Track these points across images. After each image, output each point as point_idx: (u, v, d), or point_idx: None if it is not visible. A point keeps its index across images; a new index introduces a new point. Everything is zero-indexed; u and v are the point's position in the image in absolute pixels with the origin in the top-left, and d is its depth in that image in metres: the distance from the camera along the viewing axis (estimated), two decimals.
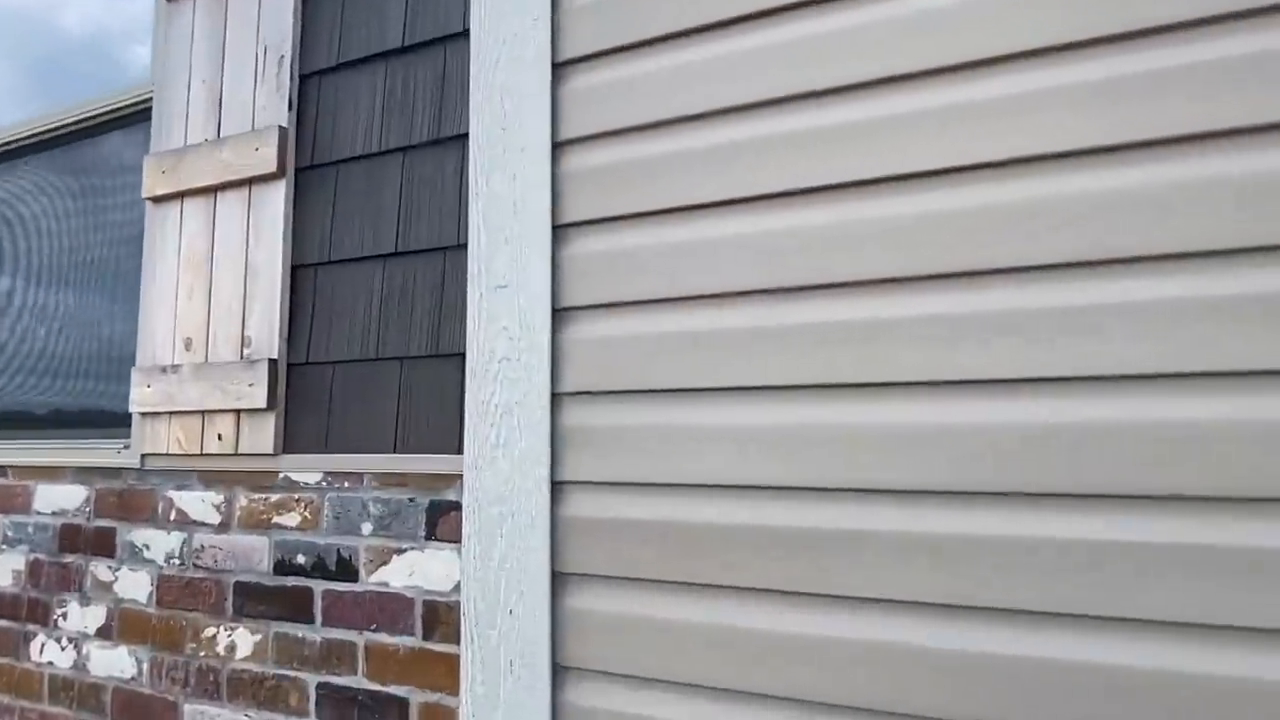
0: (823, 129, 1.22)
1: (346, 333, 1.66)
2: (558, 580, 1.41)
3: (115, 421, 2.05)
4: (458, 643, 1.45)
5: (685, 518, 1.31)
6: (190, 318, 1.83)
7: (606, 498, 1.38)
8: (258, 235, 1.76)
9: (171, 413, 1.82)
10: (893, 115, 1.17)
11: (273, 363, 1.69)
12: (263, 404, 1.67)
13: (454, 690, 1.44)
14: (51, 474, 2.05)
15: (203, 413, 1.77)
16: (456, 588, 1.47)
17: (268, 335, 1.71)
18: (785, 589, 1.23)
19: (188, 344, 1.82)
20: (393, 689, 1.50)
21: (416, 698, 1.48)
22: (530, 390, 1.41)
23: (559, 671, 1.39)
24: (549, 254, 1.43)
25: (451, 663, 1.45)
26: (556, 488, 1.42)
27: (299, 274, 1.74)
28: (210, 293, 1.81)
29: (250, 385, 1.69)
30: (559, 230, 1.46)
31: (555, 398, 1.43)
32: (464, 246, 1.56)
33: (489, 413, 1.45)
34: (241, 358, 1.74)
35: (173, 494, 1.83)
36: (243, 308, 1.76)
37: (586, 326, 1.42)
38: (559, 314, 1.44)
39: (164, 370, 1.83)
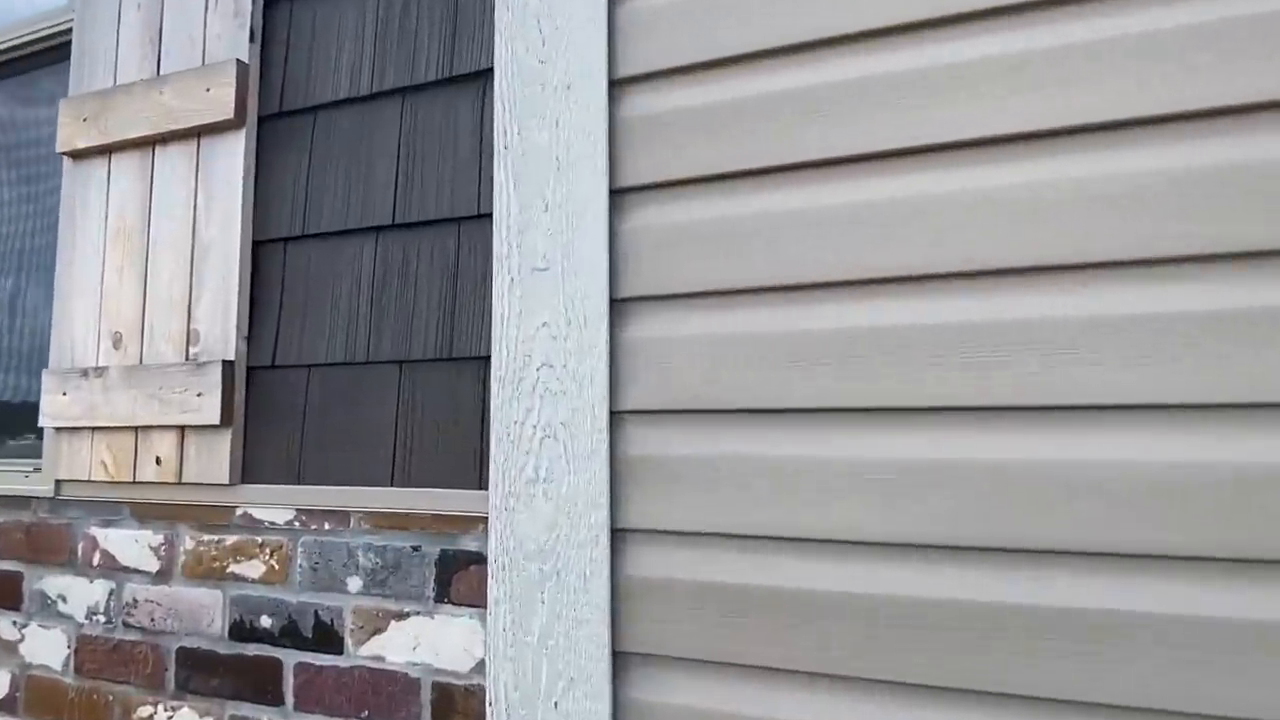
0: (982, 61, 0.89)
1: (327, 328, 1.28)
2: (620, 663, 1.07)
3: (21, 432, 1.63)
4: None
5: (795, 583, 0.98)
6: (120, 307, 1.43)
7: (688, 553, 1.04)
8: (209, 201, 1.37)
9: (95, 428, 1.42)
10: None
11: (229, 366, 1.31)
12: (215, 419, 1.29)
13: None
14: None
15: (136, 429, 1.38)
16: (479, 668, 1.11)
17: (221, 330, 1.33)
18: (930, 683, 0.90)
19: (116, 340, 1.42)
20: None
21: None
22: (581, 407, 1.07)
23: None
24: (606, 226, 1.08)
25: None
26: (619, 538, 1.07)
27: (263, 252, 1.35)
28: (146, 275, 1.41)
29: (199, 395, 1.31)
30: (619, 195, 1.11)
31: (615, 417, 1.08)
32: (486, 216, 1.19)
33: (525, 436, 1.09)
34: (187, 359, 1.35)
35: (97, 531, 1.43)
36: (189, 294, 1.36)
37: (657, 322, 1.08)
38: (619, 306, 1.09)
39: (85, 374, 1.42)
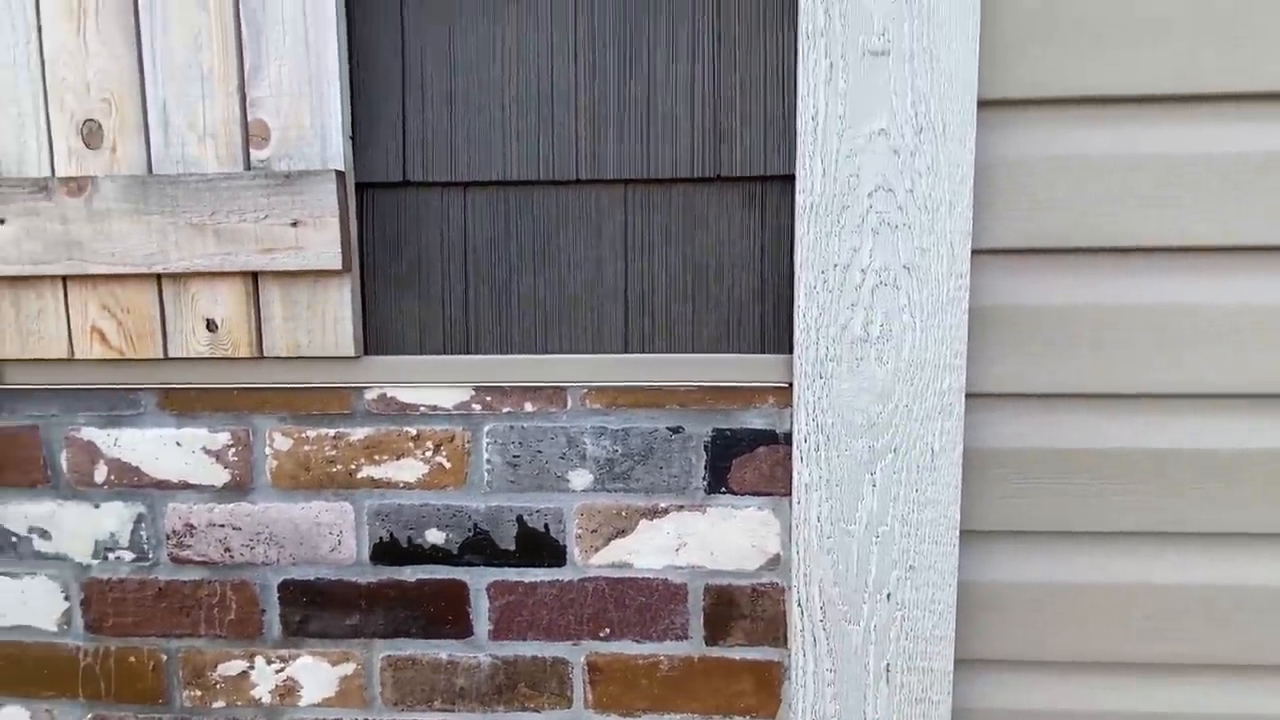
0: None
1: (497, 128, 0.89)
2: (967, 543, 0.94)
3: None
4: (776, 645, 0.94)
5: (1182, 444, 0.90)
6: (88, 77, 0.88)
7: (1055, 417, 0.91)
8: None
9: (74, 277, 0.91)
10: None
11: (341, 180, 0.87)
12: (331, 261, 0.87)
13: (766, 715, 0.95)
14: None
15: (159, 277, 0.90)
16: (772, 564, 0.93)
17: (313, 123, 0.87)
18: None
19: (90, 134, 0.89)
20: None
21: None
22: (932, 245, 0.85)
23: (961, 669, 0.96)
24: None
25: (762, 675, 0.95)
26: (972, 405, 0.91)
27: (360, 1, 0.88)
28: (137, 21, 0.86)
29: (292, 224, 0.87)
30: None
31: (977, 259, 0.88)
32: None
33: (849, 284, 0.86)
34: (249, 166, 0.88)
35: (92, 435, 0.97)
36: (236, 58, 0.86)
37: (1039, 134, 0.86)
38: (990, 109, 0.85)
39: (43, 189, 0.88)
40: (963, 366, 0.87)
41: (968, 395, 0.91)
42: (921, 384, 0.88)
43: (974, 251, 0.88)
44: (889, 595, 0.92)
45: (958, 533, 0.90)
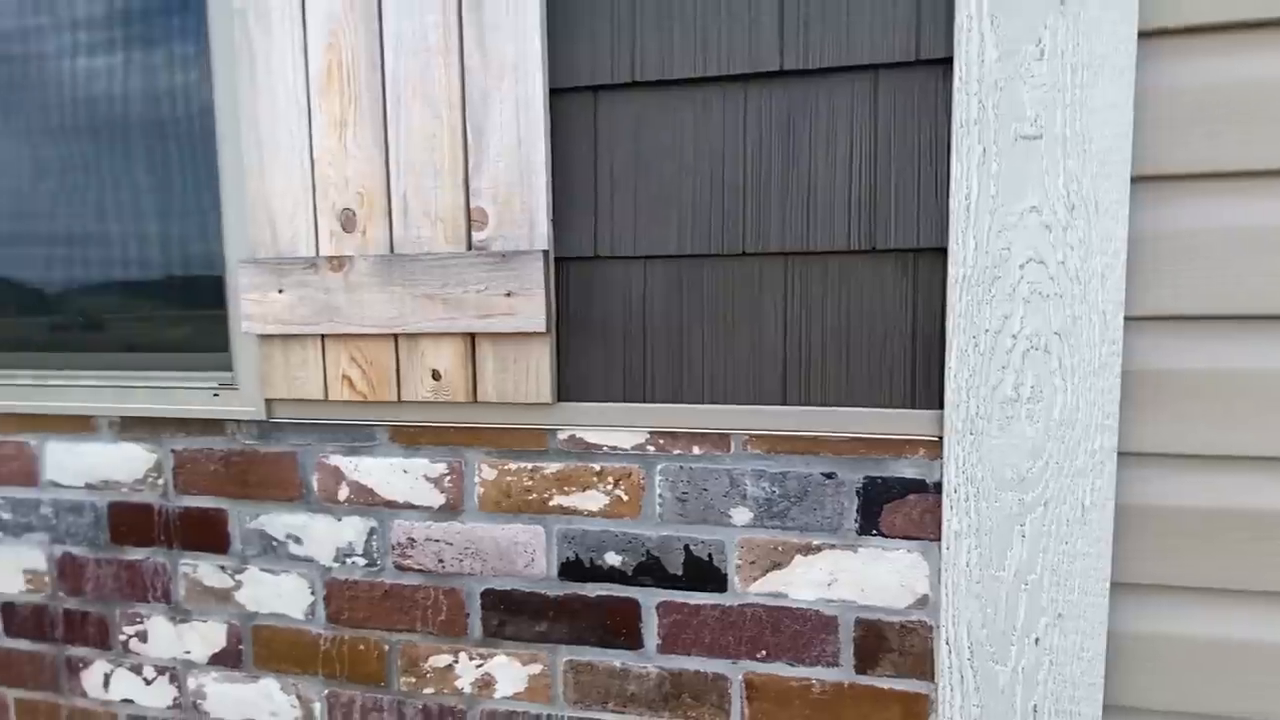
0: None
1: (674, 211, 1.02)
2: (1117, 595, 0.98)
3: (178, 342, 1.30)
4: (924, 678, 1.01)
5: None
6: (347, 175, 1.09)
7: (1205, 477, 0.93)
8: (478, 26, 1.02)
9: (330, 336, 1.12)
10: None
11: (546, 257, 1.03)
12: (538, 325, 1.03)
13: None
14: (72, 425, 1.30)
15: (395, 336, 1.10)
16: (920, 604, 1.00)
17: (522, 210, 1.04)
18: None
19: (347, 221, 1.10)
20: None
21: None
22: (1083, 313, 0.90)
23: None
24: (1130, 82, 0.86)
25: (909, 706, 1.02)
26: (1125, 463, 0.95)
27: (561, 104, 1.04)
28: (386, 131, 1.07)
29: (506, 295, 1.04)
30: (1153, 40, 0.88)
31: (1130, 325, 0.93)
32: (923, 64, 0.94)
33: (1000, 348, 0.92)
34: (470, 247, 1.06)
35: (340, 461, 1.18)
36: (462, 160, 1.05)
37: (1197, 207, 0.90)
38: (1142, 185, 0.90)
39: (313, 265, 1.11)
40: (1115, 427, 0.92)
41: (1121, 453, 0.95)
42: (1072, 443, 0.93)
43: (1128, 318, 0.92)
44: (1037, 640, 0.97)
45: (1108, 585, 0.94)
